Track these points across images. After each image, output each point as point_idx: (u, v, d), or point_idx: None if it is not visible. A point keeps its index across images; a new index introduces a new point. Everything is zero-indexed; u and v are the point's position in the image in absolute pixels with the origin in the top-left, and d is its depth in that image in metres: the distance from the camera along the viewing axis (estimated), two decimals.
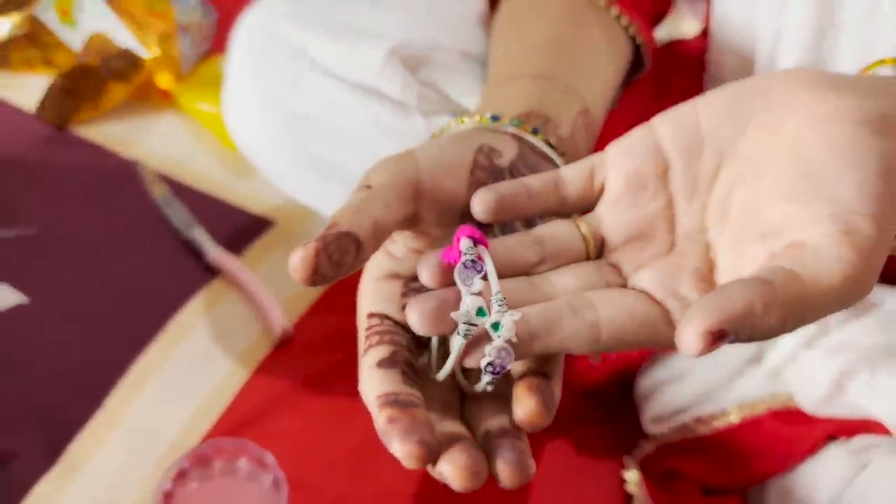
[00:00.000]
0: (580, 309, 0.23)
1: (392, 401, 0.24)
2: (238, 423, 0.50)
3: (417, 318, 0.23)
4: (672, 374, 0.50)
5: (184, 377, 0.52)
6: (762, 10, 0.42)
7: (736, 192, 0.25)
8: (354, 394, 0.30)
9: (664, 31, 0.49)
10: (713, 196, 0.25)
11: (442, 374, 0.24)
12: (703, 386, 0.49)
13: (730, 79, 0.39)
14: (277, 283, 0.56)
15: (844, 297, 0.21)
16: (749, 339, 0.21)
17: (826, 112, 0.23)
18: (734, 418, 0.47)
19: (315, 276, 0.23)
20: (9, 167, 0.61)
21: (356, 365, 0.26)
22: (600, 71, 0.38)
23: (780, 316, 0.20)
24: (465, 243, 0.24)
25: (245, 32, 0.49)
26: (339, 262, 0.24)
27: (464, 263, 0.23)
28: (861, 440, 0.46)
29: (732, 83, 0.26)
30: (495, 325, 0.22)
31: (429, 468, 0.23)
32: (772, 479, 0.48)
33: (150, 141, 0.65)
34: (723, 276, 0.24)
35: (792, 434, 0.47)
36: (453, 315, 0.22)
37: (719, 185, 0.25)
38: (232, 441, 0.47)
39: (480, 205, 0.26)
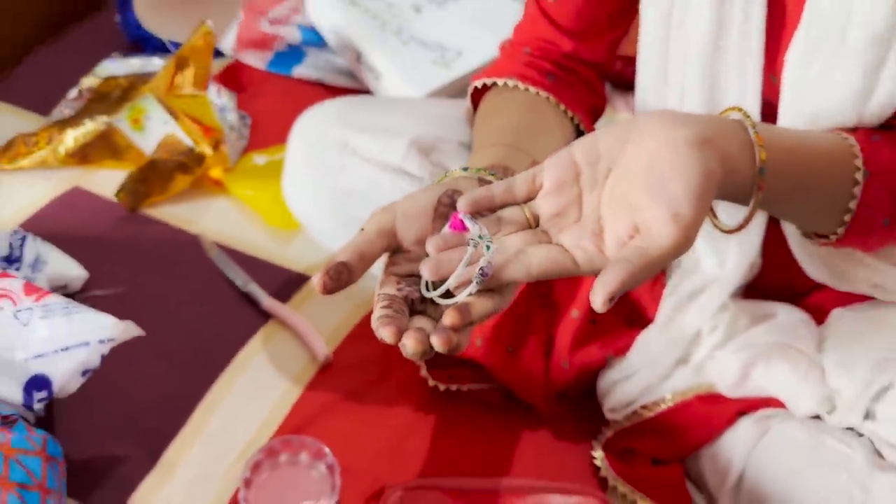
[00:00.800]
0: (522, 255, 0.39)
1: (386, 304, 0.39)
2: (295, 428, 0.65)
3: (428, 268, 0.38)
4: (623, 375, 0.66)
5: (251, 395, 0.67)
6: (671, 101, 0.60)
7: (617, 186, 0.41)
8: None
9: (602, 123, 0.67)
10: (605, 189, 0.42)
11: (445, 287, 0.38)
12: (646, 382, 0.65)
13: None
14: (317, 321, 0.72)
15: (672, 255, 0.38)
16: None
17: (670, 137, 0.41)
18: (670, 403, 0.63)
19: (324, 289, 0.39)
20: (97, 241, 0.77)
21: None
22: (553, 143, 0.56)
23: (638, 279, 0.37)
24: (463, 216, 0.40)
25: (302, 131, 0.67)
26: (338, 279, 0.39)
27: (467, 218, 0.39)
28: (763, 412, 0.61)
29: (621, 121, 0.44)
30: (488, 246, 0.38)
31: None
32: (702, 447, 0.63)
33: (208, 219, 0.81)
34: (608, 235, 0.40)
35: (713, 412, 0.63)
36: (468, 235, 0.38)
37: (608, 182, 0.42)
38: (294, 437, 0.61)
39: (462, 204, 0.41)
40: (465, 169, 0.47)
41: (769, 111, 0.56)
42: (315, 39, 1.00)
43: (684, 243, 0.38)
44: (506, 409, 0.67)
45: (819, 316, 0.65)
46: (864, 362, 0.60)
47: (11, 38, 0.98)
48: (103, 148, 0.82)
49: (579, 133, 0.61)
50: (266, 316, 0.73)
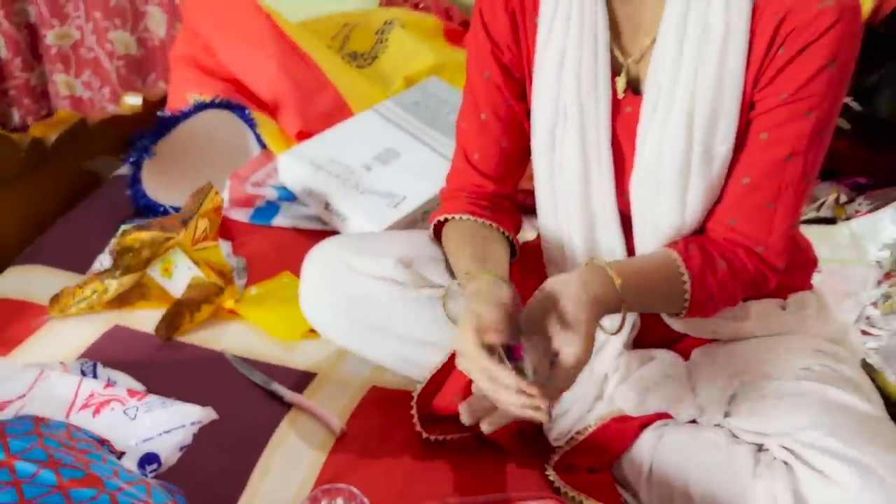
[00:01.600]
0: None
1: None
2: (326, 483, 0.86)
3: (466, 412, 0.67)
4: (560, 413, 0.91)
5: (289, 464, 0.87)
6: (562, 225, 0.90)
7: (555, 330, 0.70)
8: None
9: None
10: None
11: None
12: (577, 415, 0.90)
13: (554, 259, 0.88)
14: (328, 405, 0.94)
15: (580, 366, 0.68)
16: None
17: (574, 294, 0.69)
18: (594, 427, 0.89)
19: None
20: (141, 365, 0.97)
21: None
22: (502, 256, 0.84)
23: (563, 389, 0.66)
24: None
25: (314, 258, 0.92)
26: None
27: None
28: (658, 423, 0.88)
29: (552, 284, 0.72)
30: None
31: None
32: (621, 455, 0.89)
33: (227, 339, 1.03)
34: (561, 355, 0.69)
35: (625, 429, 0.88)
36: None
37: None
38: (331, 486, 0.82)
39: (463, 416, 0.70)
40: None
41: (626, 221, 0.86)
42: (287, 196, 1.28)
43: (584, 358, 0.69)
44: (481, 448, 0.91)
45: (685, 355, 0.93)
46: (717, 381, 0.88)
47: (34, 215, 1.20)
48: (138, 293, 1.04)
49: (512, 245, 0.90)
50: (288, 406, 0.95)
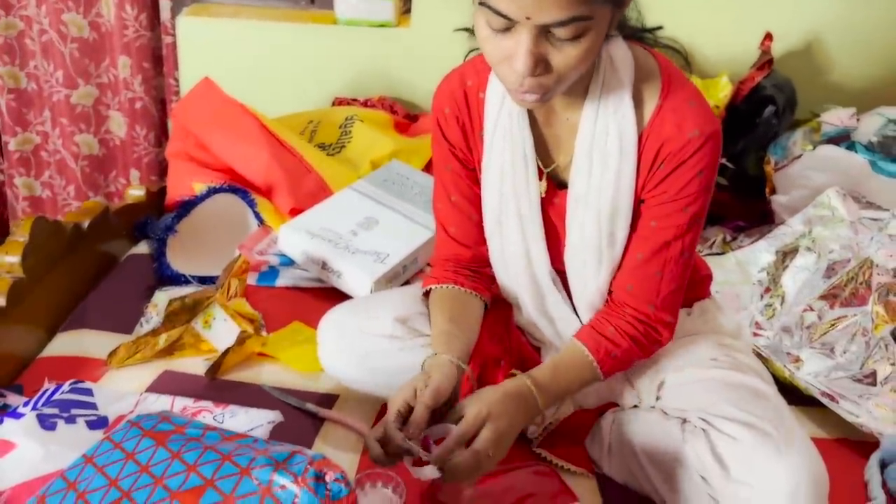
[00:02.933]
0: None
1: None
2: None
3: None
4: None
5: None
6: (513, 285, 1.09)
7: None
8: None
9: None
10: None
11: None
12: (549, 412, 1.14)
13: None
14: (353, 416, 1.17)
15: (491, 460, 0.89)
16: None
17: (503, 420, 0.90)
18: (565, 415, 1.15)
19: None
20: (197, 400, 1.18)
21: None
22: (473, 318, 1.08)
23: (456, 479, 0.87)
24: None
25: (328, 322, 1.14)
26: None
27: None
28: (611, 410, 1.12)
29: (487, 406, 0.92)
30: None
31: None
32: (586, 437, 1.14)
33: (262, 375, 1.25)
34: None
35: (586, 417, 1.12)
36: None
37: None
38: (372, 471, 1.04)
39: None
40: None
41: (564, 283, 1.06)
42: (286, 261, 1.52)
43: (497, 453, 0.90)
44: None
45: None
46: (648, 375, 1.10)
47: (72, 289, 1.39)
48: (181, 343, 1.25)
49: (486, 307, 1.12)
50: (321, 420, 1.17)
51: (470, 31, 0.97)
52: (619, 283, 1.02)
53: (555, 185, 1.03)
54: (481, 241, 1.10)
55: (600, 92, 0.94)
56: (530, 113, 0.99)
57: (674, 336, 1.06)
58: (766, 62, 1.93)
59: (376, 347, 1.12)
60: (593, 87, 0.94)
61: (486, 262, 1.12)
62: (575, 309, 1.08)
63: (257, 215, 1.56)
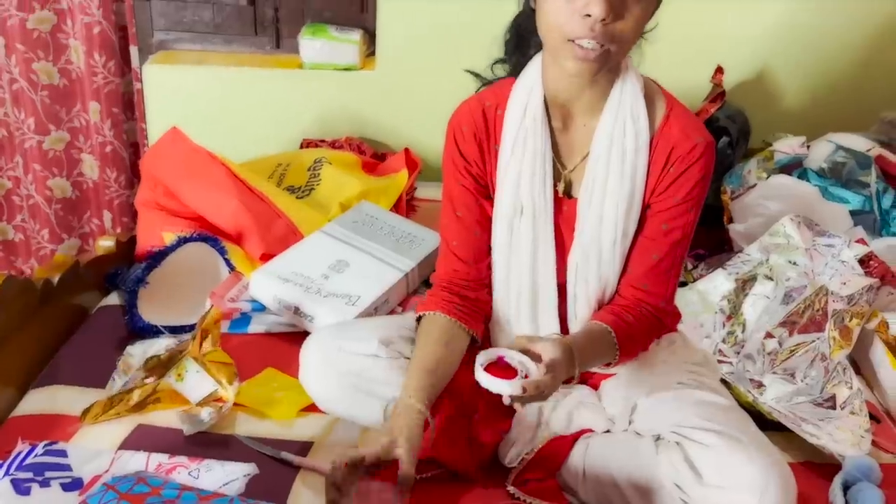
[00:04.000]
0: None
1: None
2: None
3: None
4: (510, 443, 1.19)
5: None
6: (512, 294, 1.18)
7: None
8: None
9: None
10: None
11: None
12: (523, 442, 1.18)
13: (500, 322, 1.21)
14: (327, 462, 1.18)
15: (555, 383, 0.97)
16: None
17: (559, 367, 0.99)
18: (538, 446, 1.18)
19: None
20: (172, 453, 1.18)
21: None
22: (458, 353, 1.14)
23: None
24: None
25: (312, 343, 1.18)
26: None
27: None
28: (584, 437, 1.16)
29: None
30: None
31: None
32: (562, 466, 1.17)
33: (237, 426, 1.26)
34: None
35: (561, 445, 1.16)
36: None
37: None
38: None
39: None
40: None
41: (560, 291, 1.15)
42: (258, 307, 1.53)
43: (552, 383, 0.97)
44: (453, 480, 1.15)
45: (595, 387, 1.25)
46: (620, 400, 1.18)
47: (43, 345, 1.39)
48: (154, 398, 1.26)
49: (473, 340, 1.16)
50: (297, 469, 1.18)
51: (474, 73, 1.20)
52: (633, 282, 1.13)
53: (563, 195, 1.12)
54: (482, 257, 1.17)
55: (620, 95, 1.06)
56: (549, 120, 1.10)
57: (644, 365, 1.18)
58: (718, 94, 2.00)
59: (360, 366, 1.16)
60: (615, 90, 1.06)
61: (483, 283, 1.18)
62: (565, 330, 1.16)
63: (228, 262, 1.57)
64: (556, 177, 1.13)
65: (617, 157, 1.07)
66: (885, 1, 2.15)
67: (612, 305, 1.14)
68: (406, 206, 2.01)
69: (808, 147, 1.98)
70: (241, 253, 1.61)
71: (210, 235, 1.55)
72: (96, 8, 2.17)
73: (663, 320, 1.17)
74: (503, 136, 1.12)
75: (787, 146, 1.95)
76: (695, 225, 1.12)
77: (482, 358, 0.97)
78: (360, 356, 1.17)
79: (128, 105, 2.33)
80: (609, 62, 0.99)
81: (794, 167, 1.94)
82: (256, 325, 1.51)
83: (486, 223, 1.17)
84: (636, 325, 1.12)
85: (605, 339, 1.09)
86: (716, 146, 1.10)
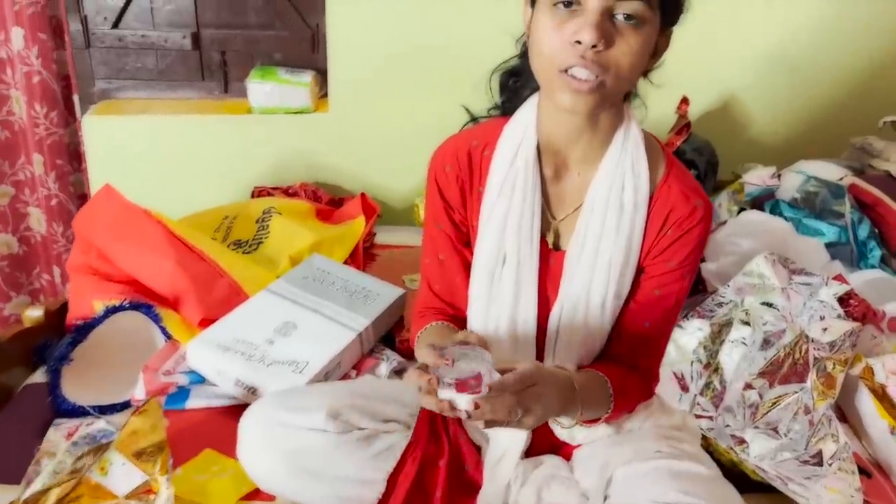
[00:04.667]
0: None
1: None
2: None
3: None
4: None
5: None
6: (491, 321, 1.09)
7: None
8: None
9: None
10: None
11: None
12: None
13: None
14: None
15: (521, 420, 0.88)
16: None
17: (553, 386, 0.92)
18: None
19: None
20: None
21: None
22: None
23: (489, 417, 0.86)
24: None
25: (252, 417, 1.06)
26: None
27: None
28: None
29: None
30: None
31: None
32: None
33: None
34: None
35: None
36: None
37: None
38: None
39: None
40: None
41: (542, 346, 1.06)
42: (197, 379, 1.41)
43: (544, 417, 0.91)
44: None
45: (567, 457, 1.15)
46: (594, 472, 1.08)
47: None
48: (79, 496, 1.13)
49: None
50: None
51: (467, 110, 1.12)
52: (626, 348, 1.07)
53: (552, 247, 1.06)
54: (463, 302, 1.10)
55: (622, 146, 0.99)
56: (540, 168, 1.03)
57: (620, 431, 1.13)
58: (684, 126, 1.93)
59: (305, 443, 1.05)
60: (616, 139, 0.99)
61: (465, 324, 1.12)
62: None
63: (163, 330, 1.45)
64: (545, 227, 1.06)
65: (614, 211, 1.01)
66: (854, 24, 2.09)
67: (602, 363, 1.08)
68: (364, 254, 1.91)
69: (780, 177, 1.91)
70: (179, 319, 1.49)
71: (143, 303, 1.43)
72: (35, 57, 2.08)
73: (652, 386, 1.13)
74: (489, 179, 1.05)
75: (756, 177, 1.87)
76: (687, 292, 1.06)
77: (454, 373, 0.85)
78: (304, 431, 1.06)
79: (74, 156, 2.23)
80: (606, 97, 0.90)
81: (765, 199, 1.87)
82: (195, 400, 1.38)
83: (468, 271, 1.10)
84: (629, 382, 1.07)
85: (602, 387, 1.03)
86: (711, 206, 1.03)
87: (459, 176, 1.06)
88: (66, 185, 2.20)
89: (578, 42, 0.86)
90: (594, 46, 0.85)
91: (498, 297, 1.06)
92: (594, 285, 1.03)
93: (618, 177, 1.00)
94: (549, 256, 1.06)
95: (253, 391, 1.34)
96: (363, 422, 1.08)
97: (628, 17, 0.86)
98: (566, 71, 0.88)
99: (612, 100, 0.94)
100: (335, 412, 1.07)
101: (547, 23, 0.88)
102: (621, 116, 1.00)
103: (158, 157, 2.15)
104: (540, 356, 1.09)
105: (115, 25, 2.16)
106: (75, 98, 2.17)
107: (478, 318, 1.09)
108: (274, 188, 2.12)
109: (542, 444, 1.15)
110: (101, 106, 2.19)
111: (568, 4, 0.87)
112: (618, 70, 0.88)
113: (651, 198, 1.01)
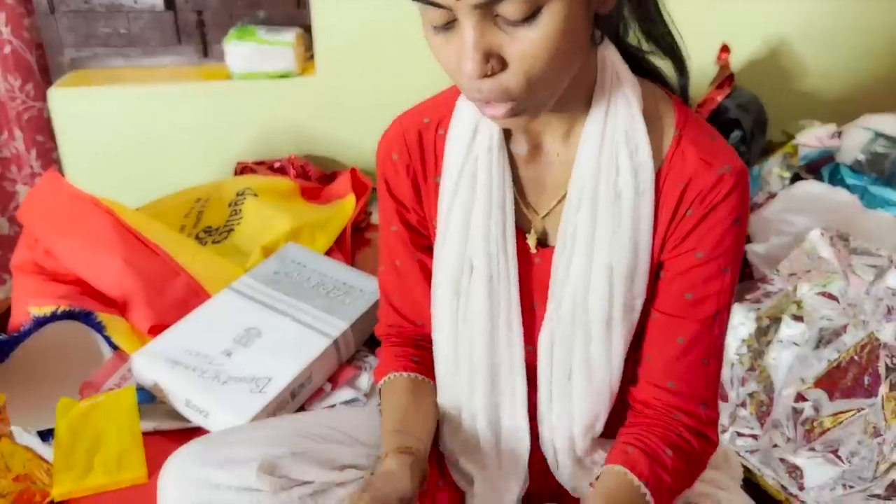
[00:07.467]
0: None
1: None
2: None
3: None
4: None
5: None
6: (463, 382, 0.86)
7: None
8: None
9: None
10: None
11: None
12: None
13: (451, 421, 0.89)
14: None
15: None
16: None
17: None
18: None
19: None
20: None
21: None
22: (429, 407, 0.86)
23: None
24: None
25: (169, 474, 0.85)
26: None
27: None
28: None
29: None
30: None
31: None
32: None
33: None
34: None
35: None
36: None
37: None
38: None
39: None
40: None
41: (531, 371, 0.83)
42: (146, 398, 1.21)
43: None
44: None
45: None
46: None
47: None
48: None
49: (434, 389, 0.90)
50: None
51: None
52: (656, 380, 0.80)
53: (536, 247, 0.81)
54: (426, 318, 0.88)
55: (605, 113, 0.74)
56: (509, 150, 0.79)
57: None
58: (725, 79, 1.65)
59: (227, 496, 0.82)
60: (596, 106, 0.74)
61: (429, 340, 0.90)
62: (534, 419, 0.84)
63: (108, 340, 1.26)
64: (525, 224, 0.81)
65: (606, 202, 0.75)
66: None
67: (632, 427, 0.81)
68: (356, 238, 1.69)
69: (840, 136, 1.61)
70: (126, 326, 1.29)
71: (80, 311, 1.23)
72: (4, 25, 1.88)
73: (709, 435, 0.81)
74: (445, 168, 0.82)
75: (813, 137, 1.58)
76: (734, 292, 0.78)
77: None
78: (231, 492, 0.84)
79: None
80: (539, 108, 0.68)
81: (824, 162, 1.58)
82: (144, 423, 1.19)
83: (430, 281, 0.87)
84: (676, 465, 0.78)
85: (630, 497, 0.76)
86: (749, 174, 0.76)
87: (410, 165, 0.83)
88: (50, 163, 2.03)
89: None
90: (485, 75, 0.64)
91: (468, 317, 0.82)
92: (593, 299, 0.77)
93: (607, 155, 0.74)
94: (533, 258, 0.82)
95: (205, 415, 1.14)
96: (309, 473, 0.85)
97: (515, 21, 0.62)
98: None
99: (550, 103, 0.69)
100: (270, 465, 0.85)
101: (433, 42, 0.68)
102: (594, 69, 0.74)
103: (132, 131, 1.94)
104: (532, 386, 0.84)
105: None
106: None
107: (444, 348, 0.85)
108: (259, 163, 1.90)
109: (543, 491, 0.92)
110: (71, 77, 1.99)
111: (444, 28, 0.65)
112: (530, 85, 0.64)
113: (659, 172, 0.75)
